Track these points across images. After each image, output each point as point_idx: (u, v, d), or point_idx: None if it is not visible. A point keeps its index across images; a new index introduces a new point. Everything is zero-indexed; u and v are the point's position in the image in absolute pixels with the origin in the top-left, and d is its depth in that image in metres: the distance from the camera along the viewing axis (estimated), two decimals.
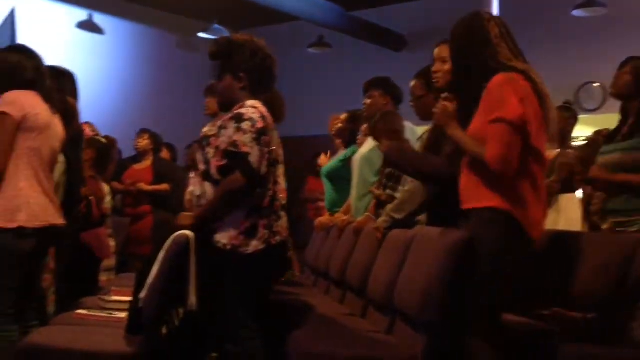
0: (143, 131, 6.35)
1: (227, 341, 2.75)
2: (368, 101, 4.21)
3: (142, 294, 2.73)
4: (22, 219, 2.89)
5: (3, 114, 2.90)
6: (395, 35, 8.80)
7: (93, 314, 3.28)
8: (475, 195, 2.48)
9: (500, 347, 2.43)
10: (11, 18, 7.83)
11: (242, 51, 2.83)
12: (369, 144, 4.09)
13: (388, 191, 3.65)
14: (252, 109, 2.77)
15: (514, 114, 2.35)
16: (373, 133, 3.72)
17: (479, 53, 2.51)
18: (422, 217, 3.26)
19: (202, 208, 2.78)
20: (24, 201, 2.91)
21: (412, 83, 3.49)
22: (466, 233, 2.50)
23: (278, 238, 2.80)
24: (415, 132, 3.80)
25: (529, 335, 2.79)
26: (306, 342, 2.75)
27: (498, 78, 2.42)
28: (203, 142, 2.84)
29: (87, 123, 4.94)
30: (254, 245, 2.71)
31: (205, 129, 2.93)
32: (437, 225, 2.80)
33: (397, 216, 3.33)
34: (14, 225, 2.88)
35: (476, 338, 2.44)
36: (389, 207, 3.42)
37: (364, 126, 4.20)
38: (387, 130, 3.54)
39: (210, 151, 2.77)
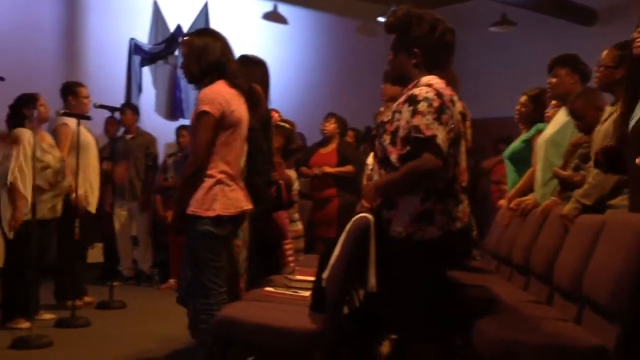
0: (330, 115, 6.49)
1: (405, 325, 2.75)
2: (553, 80, 4.00)
3: (325, 274, 2.81)
4: (219, 208, 3.10)
5: (204, 112, 3.09)
6: (586, 9, 8.31)
7: (279, 291, 3.44)
8: None
9: None
10: (205, 11, 8.36)
11: (420, 24, 2.68)
12: (553, 125, 3.90)
13: (582, 172, 3.46)
14: (426, 87, 2.61)
15: None
16: (572, 112, 3.54)
17: None
18: (616, 201, 3.06)
19: (384, 180, 2.67)
20: (219, 191, 3.12)
21: (605, 52, 3.28)
22: None
23: (458, 224, 2.64)
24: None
25: None
26: (489, 329, 2.69)
27: None
28: (379, 129, 2.76)
29: (274, 110, 5.15)
30: (430, 232, 2.58)
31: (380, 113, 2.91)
32: None
33: (586, 202, 3.16)
34: (212, 214, 3.10)
35: None
36: (578, 192, 3.25)
37: (553, 102, 4.02)
38: (589, 107, 3.36)
39: (387, 138, 2.66)
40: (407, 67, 2.72)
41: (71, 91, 5.55)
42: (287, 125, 4.91)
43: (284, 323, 2.85)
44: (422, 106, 2.55)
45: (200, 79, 3.23)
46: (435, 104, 2.56)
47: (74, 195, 5.13)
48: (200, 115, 3.10)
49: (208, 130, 3.10)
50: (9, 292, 4.78)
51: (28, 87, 5.09)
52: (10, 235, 4.71)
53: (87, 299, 5.63)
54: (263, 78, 3.98)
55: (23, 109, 4.85)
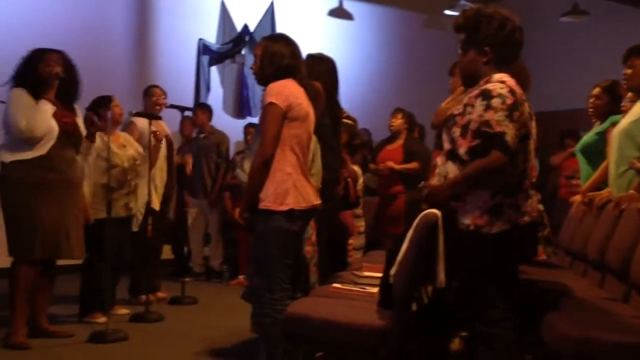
0: (397, 111, 6.41)
1: (476, 321, 2.72)
2: (629, 71, 3.87)
3: (392, 271, 2.80)
4: (291, 202, 3.13)
5: (271, 104, 3.14)
6: None
7: (347, 287, 3.44)
8: None
9: None
10: (271, 10, 8.43)
11: (490, 23, 2.71)
12: (629, 117, 3.78)
13: None
14: (500, 83, 2.64)
15: None
16: None
17: None
18: None
19: (453, 179, 2.68)
20: (291, 185, 3.15)
21: None
22: None
23: (527, 218, 2.67)
24: None
25: None
26: (562, 326, 2.63)
27: None
28: (449, 121, 2.76)
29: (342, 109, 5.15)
30: (499, 225, 2.61)
31: (442, 104, 2.88)
32: None
33: None
34: (285, 208, 3.13)
35: None
36: None
37: (629, 94, 3.89)
38: None
39: (457, 130, 2.69)
40: (478, 66, 2.75)
41: (147, 92, 5.75)
42: (350, 122, 4.91)
43: (351, 319, 2.85)
44: (495, 102, 2.59)
45: (271, 80, 3.27)
46: (509, 101, 2.60)
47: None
48: (267, 107, 3.16)
49: (275, 121, 3.14)
50: (87, 288, 4.94)
51: (101, 89, 5.24)
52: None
53: (160, 294, 5.76)
54: (329, 75, 3.99)
55: (98, 110, 5.00)
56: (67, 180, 4.30)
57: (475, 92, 2.69)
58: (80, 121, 4.46)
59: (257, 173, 3.17)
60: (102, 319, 4.69)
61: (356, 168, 5.17)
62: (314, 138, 3.51)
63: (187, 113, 6.45)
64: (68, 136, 4.31)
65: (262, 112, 3.22)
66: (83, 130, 4.45)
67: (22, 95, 4.17)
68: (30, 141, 4.16)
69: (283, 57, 3.26)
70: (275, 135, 3.14)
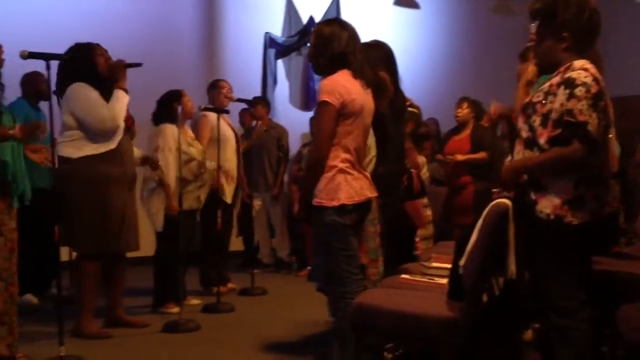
0: (462, 100, 6.30)
1: (552, 312, 2.66)
2: None
3: (462, 261, 2.76)
4: (343, 197, 3.13)
5: (325, 102, 3.12)
6: None
7: (415, 278, 3.42)
8: None
9: None
10: (336, 1, 8.42)
11: (568, 7, 2.60)
12: None
13: None
14: (583, 71, 2.54)
15: None
16: None
17: None
18: None
19: (527, 162, 2.64)
20: (342, 180, 3.14)
21: None
22: None
23: (607, 209, 2.60)
24: None
25: None
26: (638, 317, 2.55)
27: None
28: (527, 109, 2.68)
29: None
30: (580, 216, 2.53)
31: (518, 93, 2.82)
32: None
33: None
34: (336, 203, 3.13)
35: None
36: None
37: None
38: None
39: (537, 119, 2.60)
40: (557, 53, 2.65)
41: (214, 86, 5.79)
42: (415, 110, 4.85)
43: (421, 310, 2.83)
44: (579, 91, 2.51)
45: (326, 69, 3.24)
46: (593, 90, 2.52)
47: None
48: (321, 105, 3.14)
49: (328, 119, 3.12)
50: (160, 279, 5.06)
51: (169, 85, 5.34)
52: (159, 227, 4.98)
53: (230, 285, 5.86)
54: (386, 62, 3.90)
55: (169, 104, 5.11)
56: (128, 173, 4.40)
57: (557, 79, 2.60)
58: None
59: (312, 170, 3.20)
60: (175, 310, 4.79)
61: (421, 158, 5.09)
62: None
63: (246, 106, 6.53)
64: (127, 129, 4.40)
65: (316, 109, 3.21)
66: None
67: (88, 89, 4.21)
68: (108, 133, 4.22)
69: (337, 42, 3.19)
70: (329, 133, 3.13)
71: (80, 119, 4.21)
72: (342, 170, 3.15)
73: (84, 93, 4.21)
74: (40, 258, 4.98)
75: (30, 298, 5.18)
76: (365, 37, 3.39)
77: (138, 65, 4.43)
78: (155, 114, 5.18)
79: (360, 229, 3.37)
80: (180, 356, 4.04)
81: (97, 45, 4.35)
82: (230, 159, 5.66)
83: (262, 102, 7.24)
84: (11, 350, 3.59)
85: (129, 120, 4.42)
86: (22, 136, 3.50)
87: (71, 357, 3.67)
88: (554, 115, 2.55)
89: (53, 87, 4.06)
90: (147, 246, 4.87)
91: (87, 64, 4.25)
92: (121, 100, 4.27)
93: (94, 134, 4.22)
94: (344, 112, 3.14)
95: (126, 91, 4.33)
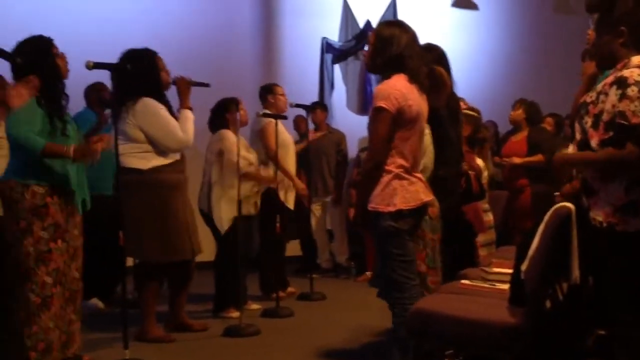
0: (517, 102, 6.24)
1: (613, 321, 2.57)
2: None
3: (524, 266, 2.71)
4: (399, 202, 3.10)
5: (380, 109, 3.08)
6: None
7: (476, 284, 3.37)
8: None
9: None
10: (393, 4, 8.40)
11: (625, 2, 2.50)
12: None
13: None
14: (637, 69, 2.41)
15: None
16: None
17: None
18: None
19: (577, 157, 2.57)
20: (398, 185, 3.12)
21: None
22: None
23: None
24: None
25: None
26: None
27: None
28: (581, 109, 2.58)
29: (460, 99, 5.04)
30: (635, 224, 2.38)
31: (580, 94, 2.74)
32: None
33: None
34: (392, 209, 3.10)
35: None
36: None
37: None
38: None
39: (589, 120, 2.49)
40: (614, 48, 2.53)
41: (269, 91, 5.80)
42: (473, 114, 4.79)
43: (482, 316, 2.79)
44: (631, 90, 2.36)
45: (381, 69, 3.23)
46: None
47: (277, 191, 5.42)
48: (376, 111, 3.11)
49: (384, 126, 3.09)
50: (221, 284, 5.12)
51: (228, 90, 5.40)
52: (224, 229, 5.04)
53: (290, 289, 5.89)
54: (439, 63, 3.85)
55: (225, 112, 5.18)
56: (186, 180, 4.48)
57: (610, 78, 2.49)
58: None
59: (368, 176, 3.17)
60: (236, 314, 4.85)
61: (480, 161, 5.03)
62: (426, 131, 3.45)
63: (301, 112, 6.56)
64: None
65: (371, 115, 3.18)
66: None
67: (157, 105, 4.27)
68: (180, 151, 4.34)
69: (396, 44, 3.16)
70: (385, 140, 3.10)
71: (152, 136, 4.25)
72: (397, 176, 3.12)
73: (155, 110, 4.25)
74: (105, 263, 5.09)
75: (97, 302, 5.32)
76: (423, 39, 3.36)
77: (205, 85, 4.51)
78: (211, 122, 5.27)
79: (416, 234, 3.34)
80: (242, 359, 4.09)
81: (159, 58, 4.40)
82: (292, 164, 5.69)
83: (320, 107, 7.27)
84: (68, 354, 3.65)
85: None
86: (75, 156, 3.56)
87: None
88: (605, 117, 2.42)
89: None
90: (207, 251, 4.94)
91: (151, 76, 4.29)
92: (191, 121, 4.36)
93: (165, 151, 4.30)
94: (400, 118, 3.10)
95: (191, 109, 4.41)
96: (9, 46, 3.40)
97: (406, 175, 3.15)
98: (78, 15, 6.77)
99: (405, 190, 3.12)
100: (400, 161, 3.14)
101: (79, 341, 3.74)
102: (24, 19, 6.11)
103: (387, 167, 3.13)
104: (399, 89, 3.11)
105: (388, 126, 3.10)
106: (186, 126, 4.31)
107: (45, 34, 3.71)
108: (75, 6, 6.82)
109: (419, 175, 3.25)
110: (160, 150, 4.29)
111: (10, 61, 3.30)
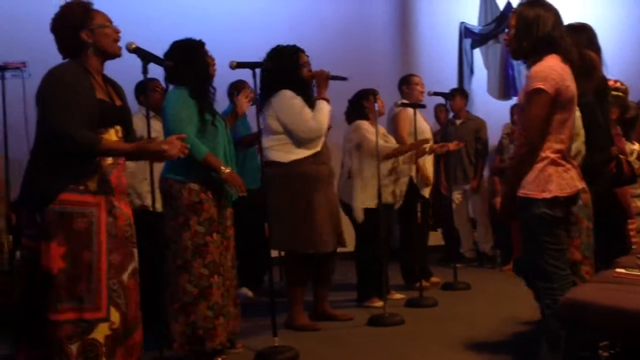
0: None
1: None
2: None
3: None
4: (554, 189, 2.98)
5: (539, 90, 2.95)
6: None
7: (632, 273, 3.19)
8: None
9: None
10: None
11: None
12: None
13: None
14: None
15: None
16: None
17: None
18: None
19: None
20: (553, 172, 2.99)
21: None
22: None
23: None
24: None
25: None
26: None
27: None
28: None
29: (612, 80, 4.77)
30: None
31: None
32: None
33: None
34: (548, 195, 2.97)
35: None
36: None
37: None
38: None
39: None
40: None
41: (404, 81, 5.81)
42: (619, 94, 4.52)
43: (638, 306, 2.64)
44: None
45: (529, 54, 3.10)
46: None
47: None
48: (534, 93, 2.97)
49: (542, 108, 2.96)
50: (363, 274, 5.18)
51: (366, 79, 5.45)
52: (360, 219, 5.09)
53: (434, 279, 5.85)
54: (590, 45, 3.67)
55: (362, 102, 5.22)
56: (331, 171, 4.55)
57: None
58: None
59: (521, 163, 3.05)
60: (379, 304, 4.88)
61: (629, 145, 4.74)
62: (577, 114, 3.29)
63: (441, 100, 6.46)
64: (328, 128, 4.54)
65: (526, 97, 3.04)
66: None
67: (293, 96, 4.38)
68: (314, 140, 4.41)
69: (542, 24, 3.02)
70: (542, 123, 2.97)
71: (286, 125, 4.38)
72: (553, 162, 2.99)
73: (290, 101, 4.38)
74: (253, 254, 5.29)
75: (246, 291, 5.54)
76: (567, 19, 3.21)
77: (343, 79, 4.58)
78: (348, 113, 5.32)
79: (571, 221, 3.20)
80: (387, 349, 4.10)
81: (301, 52, 4.51)
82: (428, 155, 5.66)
83: (460, 94, 7.14)
84: (231, 341, 3.85)
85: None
86: (226, 178, 3.71)
87: (284, 347, 3.85)
88: None
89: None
90: (349, 241, 4.99)
91: (291, 72, 4.43)
92: (324, 110, 4.41)
93: (299, 141, 4.40)
94: (558, 100, 2.97)
95: (328, 101, 4.48)
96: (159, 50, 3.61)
97: (562, 162, 3.02)
98: (225, 15, 7.06)
99: (560, 177, 2.99)
100: (558, 146, 3.01)
101: (236, 328, 3.88)
102: (174, 24, 6.43)
103: (543, 153, 3.00)
104: (556, 70, 2.99)
105: (546, 109, 2.97)
106: (319, 116, 4.38)
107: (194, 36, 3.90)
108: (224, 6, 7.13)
109: (573, 162, 3.12)
110: (298, 142, 4.39)
111: (162, 65, 3.50)
